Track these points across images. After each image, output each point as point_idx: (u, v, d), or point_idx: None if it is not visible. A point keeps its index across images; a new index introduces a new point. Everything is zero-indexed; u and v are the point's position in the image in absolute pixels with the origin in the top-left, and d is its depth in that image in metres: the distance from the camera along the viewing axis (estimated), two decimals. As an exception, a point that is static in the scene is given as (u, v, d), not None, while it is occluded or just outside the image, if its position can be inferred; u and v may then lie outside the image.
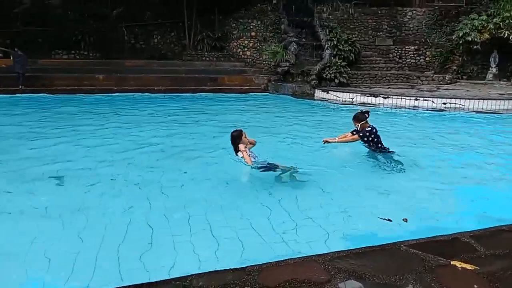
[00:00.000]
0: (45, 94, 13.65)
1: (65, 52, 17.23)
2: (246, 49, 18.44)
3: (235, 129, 5.45)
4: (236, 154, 5.38)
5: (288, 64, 16.21)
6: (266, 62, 17.69)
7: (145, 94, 14.43)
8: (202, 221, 3.98)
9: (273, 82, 16.19)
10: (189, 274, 2.49)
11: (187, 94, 14.74)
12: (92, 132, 8.06)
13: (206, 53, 18.41)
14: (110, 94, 14.12)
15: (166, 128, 8.73)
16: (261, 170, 5.17)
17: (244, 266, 2.53)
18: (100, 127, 8.60)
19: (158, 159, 6.21)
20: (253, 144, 5.62)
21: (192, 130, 8.47)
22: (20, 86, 13.94)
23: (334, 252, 2.64)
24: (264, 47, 17.76)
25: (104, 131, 8.25)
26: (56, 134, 7.85)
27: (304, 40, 17.60)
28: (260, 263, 2.58)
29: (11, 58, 14.77)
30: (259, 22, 18.48)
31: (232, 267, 2.52)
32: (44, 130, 8.28)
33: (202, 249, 3.44)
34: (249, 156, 5.23)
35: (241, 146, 5.26)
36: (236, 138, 5.31)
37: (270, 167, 5.19)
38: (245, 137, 5.36)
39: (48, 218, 4.07)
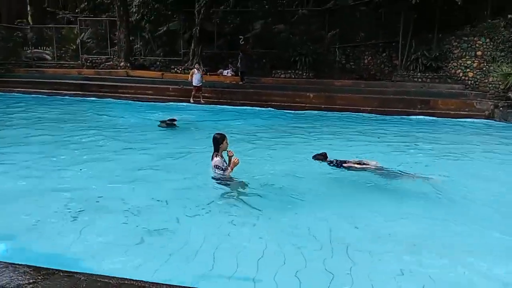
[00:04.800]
0: (265, 108, 15.39)
1: (283, 72, 19.08)
2: (468, 70, 16.40)
3: (219, 132, 5.89)
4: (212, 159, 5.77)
5: (524, 88, 13.57)
6: (493, 85, 15.27)
7: (351, 114, 14.52)
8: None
9: (501, 109, 13.80)
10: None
11: (394, 116, 14.09)
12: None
13: (418, 74, 17.25)
14: (327, 112, 14.70)
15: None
16: (217, 182, 5.64)
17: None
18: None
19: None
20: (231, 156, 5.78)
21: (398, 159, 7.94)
22: (242, 82, 17.76)
23: None
24: (492, 68, 15.41)
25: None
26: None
27: (549, 59, 14.40)
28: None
29: (239, 63, 18.28)
30: (487, 40, 16.15)
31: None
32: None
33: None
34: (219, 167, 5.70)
35: (217, 160, 5.72)
36: (219, 141, 5.71)
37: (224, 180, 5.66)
38: (226, 142, 5.76)
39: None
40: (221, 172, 5.71)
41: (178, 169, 6.75)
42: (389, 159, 7.37)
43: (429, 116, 14.03)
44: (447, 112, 14.47)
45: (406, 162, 7.33)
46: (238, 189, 5.54)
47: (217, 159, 5.73)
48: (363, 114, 14.51)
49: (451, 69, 16.93)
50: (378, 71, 19.03)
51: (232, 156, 5.73)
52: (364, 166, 6.62)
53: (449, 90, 16.05)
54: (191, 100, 16.02)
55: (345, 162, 6.77)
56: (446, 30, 17.20)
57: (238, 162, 5.62)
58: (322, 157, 7.03)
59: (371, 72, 19.05)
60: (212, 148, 5.84)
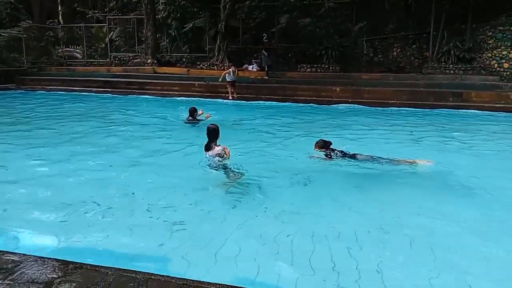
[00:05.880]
0: (290, 103, 15.26)
1: (309, 66, 18.85)
2: (503, 61, 15.69)
3: (213, 123, 6.12)
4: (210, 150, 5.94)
5: None
6: (531, 76, 14.58)
7: (379, 107, 14.16)
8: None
9: (539, 101, 13.16)
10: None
11: (425, 109, 13.64)
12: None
13: (450, 65, 16.66)
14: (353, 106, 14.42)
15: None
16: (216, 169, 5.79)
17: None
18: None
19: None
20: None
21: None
22: (267, 77, 17.89)
23: None
24: (529, 58, 14.69)
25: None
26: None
27: None
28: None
29: (262, 59, 18.57)
30: (524, 29, 15.42)
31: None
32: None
33: None
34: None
35: (219, 149, 5.89)
36: (218, 131, 5.99)
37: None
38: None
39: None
40: (222, 159, 5.92)
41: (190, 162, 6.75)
42: (418, 153, 7.15)
43: (462, 109, 13.49)
44: (481, 105, 13.86)
45: (434, 156, 7.06)
46: (233, 177, 5.73)
47: (219, 148, 5.95)
48: (392, 108, 14.12)
49: (485, 60, 16.27)
50: (408, 63, 18.53)
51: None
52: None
53: (483, 82, 15.42)
54: (232, 97, 15.91)
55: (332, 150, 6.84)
56: (480, 20, 16.51)
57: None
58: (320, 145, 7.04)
59: (400, 64, 18.58)
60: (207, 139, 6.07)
